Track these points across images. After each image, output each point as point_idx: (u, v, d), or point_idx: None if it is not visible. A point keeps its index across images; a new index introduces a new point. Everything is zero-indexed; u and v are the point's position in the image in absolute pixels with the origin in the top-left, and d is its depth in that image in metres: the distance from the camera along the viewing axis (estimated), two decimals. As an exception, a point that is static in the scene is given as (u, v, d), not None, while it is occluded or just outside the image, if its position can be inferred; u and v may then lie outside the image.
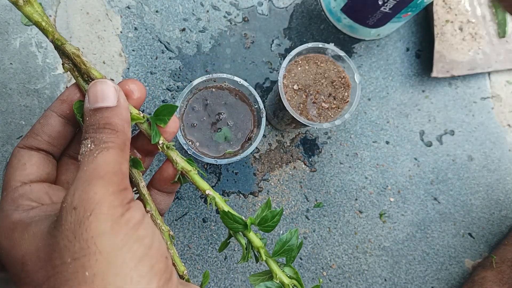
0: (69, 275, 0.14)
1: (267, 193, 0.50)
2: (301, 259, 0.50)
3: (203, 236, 0.48)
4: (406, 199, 0.53)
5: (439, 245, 0.52)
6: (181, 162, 0.22)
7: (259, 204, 0.50)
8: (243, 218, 0.22)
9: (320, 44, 0.39)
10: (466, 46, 0.55)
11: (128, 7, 0.52)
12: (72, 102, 0.20)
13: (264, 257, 0.22)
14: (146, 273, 0.15)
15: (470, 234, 0.53)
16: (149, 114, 0.50)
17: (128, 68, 0.51)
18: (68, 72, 0.50)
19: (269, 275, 0.22)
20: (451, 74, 0.54)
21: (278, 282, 0.21)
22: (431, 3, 0.54)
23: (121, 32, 0.51)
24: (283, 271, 0.22)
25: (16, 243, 0.16)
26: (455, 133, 0.56)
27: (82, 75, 0.21)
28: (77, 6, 0.51)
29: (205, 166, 0.49)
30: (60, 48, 0.20)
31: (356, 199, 0.52)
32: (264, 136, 0.51)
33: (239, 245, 0.48)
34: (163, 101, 0.50)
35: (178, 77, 0.51)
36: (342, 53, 0.40)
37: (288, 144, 0.52)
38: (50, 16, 0.51)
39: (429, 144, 0.55)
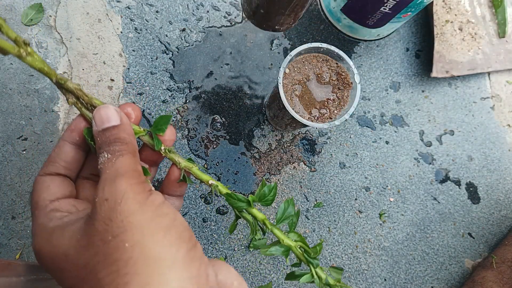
0: (111, 250, 0.17)
1: (267, 193, 0.50)
2: (301, 259, 0.50)
3: (203, 236, 0.48)
4: (406, 199, 0.53)
5: (439, 245, 0.53)
6: (183, 162, 0.25)
7: (259, 204, 0.50)
8: (247, 197, 0.25)
9: (320, 44, 0.40)
10: (466, 46, 0.55)
11: (128, 7, 0.52)
12: (80, 130, 0.23)
13: (269, 227, 0.25)
14: (174, 240, 0.18)
15: (470, 234, 0.54)
16: (149, 113, 0.50)
17: (128, 68, 0.51)
18: (68, 72, 0.50)
19: (278, 244, 0.25)
20: (450, 74, 0.54)
21: (285, 245, 0.24)
22: (431, 3, 0.54)
23: (121, 32, 0.51)
24: (288, 237, 0.25)
25: (56, 244, 0.19)
26: (455, 133, 0.56)
27: (86, 105, 0.24)
28: (77, 6, 0.51)
29: (205, 166, 0.50)
30: (63, 86, 0.23)
31: (356, 199, 0.52)
32: (264, 136, 0.51)
33: (239, 244, 0.48)
34: (163, 101, 0.50)
35: (178, 77, 0.51)
36: (342, 53, 0.40)
37: (288, 144, 0.52)
38: (50, 16, 0.51)
39: (429, 144, 0.55)
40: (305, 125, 0.40)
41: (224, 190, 0.25)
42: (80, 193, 0.24)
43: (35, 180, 0.22)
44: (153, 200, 0.19)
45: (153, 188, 0.22)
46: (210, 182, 0.25)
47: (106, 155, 0.20)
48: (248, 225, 0.49)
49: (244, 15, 0.37)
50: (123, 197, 0.18)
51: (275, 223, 0.26)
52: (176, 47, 0.52)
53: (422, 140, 0.55)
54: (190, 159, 0.25)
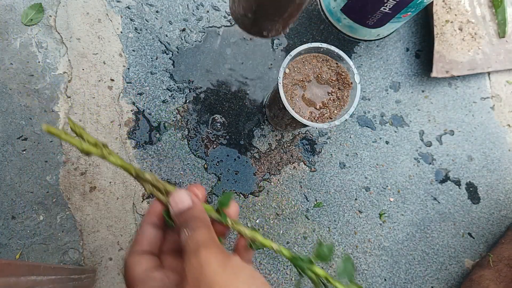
0: None
1: (267, 193, 0.50)
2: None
3: (203, 236, 0.48)
4: (406, 199, 0.53)
5: (439, 245, 0.53)
6: (248, 232, 0.29)
7: (259, 204, 0.50)
8: (309, 257, 0.29)
9: (320, 44, 0.40)
10: (466, 46, 0.55)
11: (128, 7, 0.52)
12: (157, 212, 0.28)
13: (332, 282, 0.28)
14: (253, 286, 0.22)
15: (470, 234, 0.54)
16: (149, 113, 0.50)
17: (128, 68, 0.51)
18: (68, 72, 0.50)
19: None
20: (450, 74, 0.54)
21: None
22: (431, 3, 0.54)
23: (121, 32, 0.51)
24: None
25: None
26: (455, 133, 0.56)
27: (161, 191, 0.28)
28: (77, 6, 0.51)
29: (205, 166, 0.49)
30: (141, 178, 0.28)
31: (355, 199, 0.52)
32: (264, 136, 0.51)
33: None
34: (163, 101, 0.50)
35: (178, 77, 0.51)
36: (342, 53, 0.40)
37: (288, 144, 0.52)
38: (50, 16, 0.51)
39: (429, 144, 0.55)
40: (305, 125, 0.40)
41: (287, 253, 0.29)
42: (164, 265, 0.29)
43: (126, 260, 0.27)
44: (232, 261, 0.23)
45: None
46: (274, 247, 0.28)
47: (186, 232, 0.25)
48: (248, 225, 0.49)
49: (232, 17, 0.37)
50: (207, 262, 0.22)
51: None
52: (176, 47, 0.52)
53: (422, 140, 0.55)
54: (254, 228, 0.29)
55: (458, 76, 0.57)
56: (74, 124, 0.26)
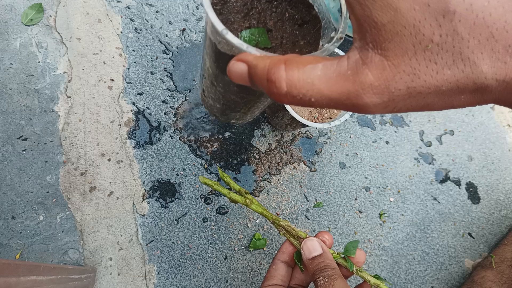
0: None
1: (267, 193, 0.50)
2: (301, 259, 0.50)
3: (203, 236, 0.48)
4: (406, 199, 0.53)
5: (439, 245, 0.53)
6: (372, 279, 0.30)
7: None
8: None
9: (320, 44, 0.39)
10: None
11: (128, 7, 0.52)
12: (289, 252, 0.31)
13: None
14: None
15: (470, 234, 0.54)
16: (149, 113, 0.50)
17: (128, 68, 0.51)
18: (68, 72, 0.50)
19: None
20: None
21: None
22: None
23: (121, 32, 0.51)
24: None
25: None
26: (455, 133, 0.56)
27: (293, 236, 0.31)
28: (77, 6, 0.51)
29: (205, 166, 0.49)
30: (277, 223, 0.31)
31: (356, 199, 0.52)
32: (264, 136, 0.51)
33: (239, 244, 0.48)
34: (163, 101, 0.50)
35: (178, 77, 0.51)
36: (341, 53, 0.40)
37: (288, 144, 0.52)
38: (50, 16, 0.51)
39: (429, 144, 0.55)
40: (305, 125, 0.40)
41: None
42: None
43: None
44: None
45: None
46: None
47: (323, 279, 0.27)
48: (248, 225, 0.49)
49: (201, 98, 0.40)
50: None
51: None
52: (176, 47, 0.52)
53: (422, 140, 0.55)
54: (377, 276, 0.31)
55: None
56: (223, 174, 0.29)
